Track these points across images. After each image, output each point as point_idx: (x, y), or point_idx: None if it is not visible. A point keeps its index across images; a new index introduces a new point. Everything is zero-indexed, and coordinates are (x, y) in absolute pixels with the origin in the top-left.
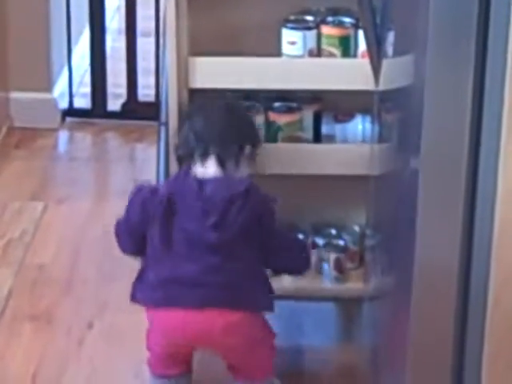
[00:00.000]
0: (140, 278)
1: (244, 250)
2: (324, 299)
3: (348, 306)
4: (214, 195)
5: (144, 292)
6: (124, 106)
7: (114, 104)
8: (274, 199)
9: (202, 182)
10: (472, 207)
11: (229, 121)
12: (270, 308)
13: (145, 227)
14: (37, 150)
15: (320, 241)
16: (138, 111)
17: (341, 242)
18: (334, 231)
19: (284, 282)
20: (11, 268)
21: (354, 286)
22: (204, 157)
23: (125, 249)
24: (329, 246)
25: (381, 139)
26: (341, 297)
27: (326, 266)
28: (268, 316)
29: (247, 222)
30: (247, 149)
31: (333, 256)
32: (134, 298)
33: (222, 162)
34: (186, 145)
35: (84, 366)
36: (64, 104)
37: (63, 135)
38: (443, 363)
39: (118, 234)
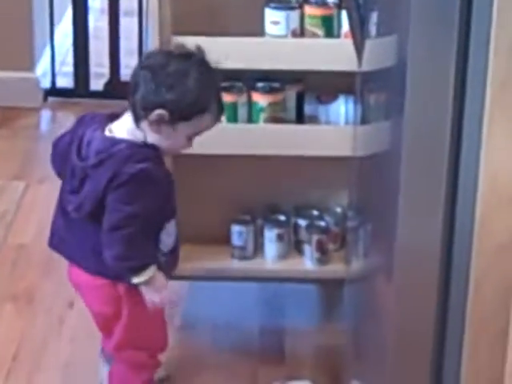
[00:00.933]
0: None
1: (95, 219)
2: (306, 281)
3: (330, 287)
4: (82, 160)
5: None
6: (107, 85)
7: (97, 84)
8: (145, 179)
9: (89, 142)
10: (454, 189)
11: (163, 75)
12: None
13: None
14: (19, 130)
15: (302, 222)
16: (121, 91)
17: (323, 224)
18: (316, 213)
19: (266, 264)
20: None
21: (336, 267)
22: (128, 107)
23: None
24: (311, 227)
25: (363, 120)
26: (323, 278)
27: (308, 247)
28: (250, 297)
29: (90, 197)
30: (154, 114)
31: (315, 237)
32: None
33: (135, 119)
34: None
35: (64, 345)
36: (46, 83)
37: (45, 115)
38: (424, 346)
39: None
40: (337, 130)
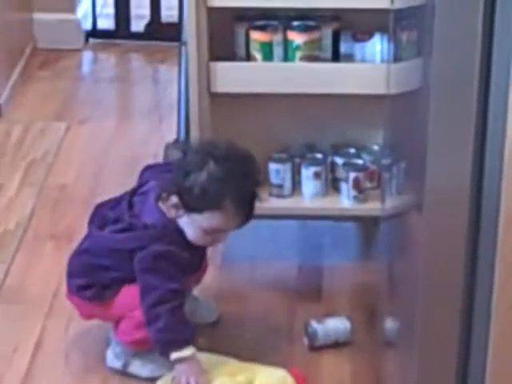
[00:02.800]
0: None
1: None
2: (343, 219)
3: (367, 225)
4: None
5: None
6: (147, 26)
7: (138, 25)
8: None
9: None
10: (484, 127)
11: (185, 161)
12: None
13: None
14: (60, 71)
15: (339, 160)
16: (161, 32)
17: (360, 162)
18: (352, 151)
19: (304, 202)
20: (33, 188)
21: (373, 205)
22: None
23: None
24: (348, 165)
25: (396, 58)
26: (359, 216)
27: (345, 185)
28: (288, 236)
29: None
30: (171, 199)
31: (352, 175)
32: None
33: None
34: None
35: None
36: (87, 25)
37: (87, 56)
38: (455, 280)
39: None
40: (373, 67)
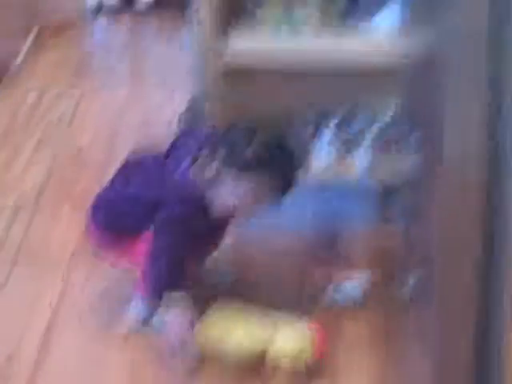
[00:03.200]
0: None
1: None
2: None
3: (384, 189)
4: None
5: None
6: None
7: None
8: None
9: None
10: (498, 100)
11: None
12: None
13: None
14: (73, 40)
15: (356, 126)
16: (173, 2)
17: (377, 127)
18: (370, 116)
19: (319, 167)
20: (49, 151)
21: (391, 170)
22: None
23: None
24: (364, 131)
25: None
26: (377, 180)
27: (362, 150)
28: (307, 202)
29: None
30: (213, 163)
31: (369, 140)
32: None
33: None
34: None
35: None
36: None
37: (99, 24)
38: (470, 249)
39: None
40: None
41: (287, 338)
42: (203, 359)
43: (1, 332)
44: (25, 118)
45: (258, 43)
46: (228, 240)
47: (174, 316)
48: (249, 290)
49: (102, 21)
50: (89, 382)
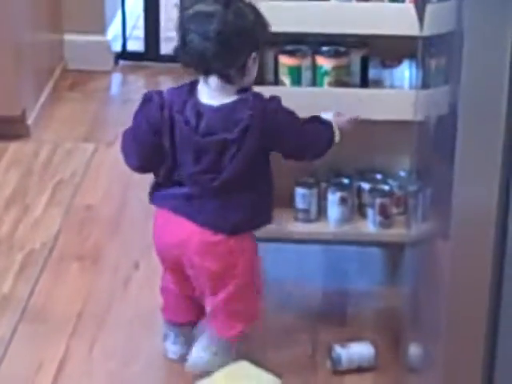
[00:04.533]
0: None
1: (244, 185)
2: (368, 244)
3: (392, 251)
4: (209, 134)
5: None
6: (177, 49)
7: (167, 47)
8: (277, 101)
9: (200, 114)
10: (511, 152)
11: (226, 34)
12: (267, 221)
13: (151, 141)
14: (90, 93)
15: (365, 186)
16: None
17: (386, 187)
18: (379, 176)
19: (329, 227)
20: (60, 208)
21: (399, 231)
22: (206, 74)
23: (132, 163)
24: (374, 191)
25: (424, 85)
26: (385, 242)
27: (371, 210)
28: (313, 260)
29: (242, 165)
30: (252, 59)
31: (378, 201)
32: (151, 201)
33: (225, 78)
34: (186, 56)
35: (129, 307)
36: (117, 47)
37: (116, 78)
38: (479, 308)
39: (124, 147)
40: (401, 94)
41: None
42: None
43: None
44: (37, 173)
45: None
46: None
47: None
48: (255, 350)
49: (124, 69)
50: None
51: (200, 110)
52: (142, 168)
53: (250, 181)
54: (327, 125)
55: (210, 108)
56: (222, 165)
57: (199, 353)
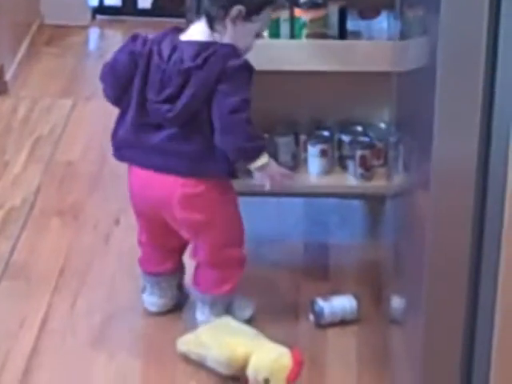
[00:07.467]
0: (113, 131)
1: (201, 121)
2: (349, 196)
3: (373, 203)
4: (176, 64)
5: (116, 149)
6: (154, 3)
7: (145, 1)
8: (250, 68)
9: (175, 47)
10: (490, 103)
11: None
12: (232, 174)
13: (128, 73)
14: (67, 48)
15: (346, 138)
16: (168, 8)
17: (366, 139)
18: (359, 128)
19: (310, 179)
20: (40, 164)
21: (380, 183)
22: (198, 14)
23: (107, 93)
24: (354, 143)
25: (403, 36)
26: (366, 194)
27: (351, 163)
28: (294, 213)
29: (198, 96)
30: (235, 10)
31: (358, 153)
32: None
33: (210, 22)
34: None
35: (110, 262)
36: (94, 1)
37: (93, 33)
38: (461, 257)
39: (103, 75)
40: (379, 45)
41: (264, 357)
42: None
43: None
44: (16, 129)
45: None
46: None
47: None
48: None
49: (101, 24)
50: None
51: (176, 45)
52: (117, 99)
53: (202, 120)
54: (262, 145)
55: (186, 42)
56: (181, 96)
57: (200, 317)
